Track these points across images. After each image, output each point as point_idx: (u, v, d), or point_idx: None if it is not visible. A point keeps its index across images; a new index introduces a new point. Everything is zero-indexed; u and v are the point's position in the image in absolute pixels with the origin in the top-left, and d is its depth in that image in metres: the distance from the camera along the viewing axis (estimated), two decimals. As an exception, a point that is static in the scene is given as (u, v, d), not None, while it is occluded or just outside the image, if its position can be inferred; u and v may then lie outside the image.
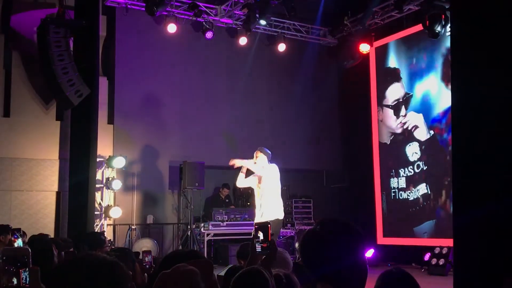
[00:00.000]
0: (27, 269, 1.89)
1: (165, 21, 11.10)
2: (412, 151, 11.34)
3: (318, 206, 12.29)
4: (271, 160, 7.49)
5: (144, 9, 10.34)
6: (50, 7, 10.15)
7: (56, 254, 3.58)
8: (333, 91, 13.29)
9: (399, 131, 11.70)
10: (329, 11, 12.14)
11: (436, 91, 10.92)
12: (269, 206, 7.27)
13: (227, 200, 11.82)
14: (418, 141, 11.21)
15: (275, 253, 2.77)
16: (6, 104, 10.15)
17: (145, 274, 3.58)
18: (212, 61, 12.00)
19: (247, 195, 11.90)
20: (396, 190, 11.65)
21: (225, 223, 10.57)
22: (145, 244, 10.04)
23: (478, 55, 5.11)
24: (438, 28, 9.76)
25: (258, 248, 2.75)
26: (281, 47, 12.18)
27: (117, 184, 10.37)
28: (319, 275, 1.95)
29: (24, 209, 9.97)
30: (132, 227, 10.76)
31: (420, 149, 11.17)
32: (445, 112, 10.53)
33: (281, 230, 10.75)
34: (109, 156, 10.54)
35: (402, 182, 11.51)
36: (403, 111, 11.63)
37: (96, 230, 9.65)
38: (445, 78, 10.66)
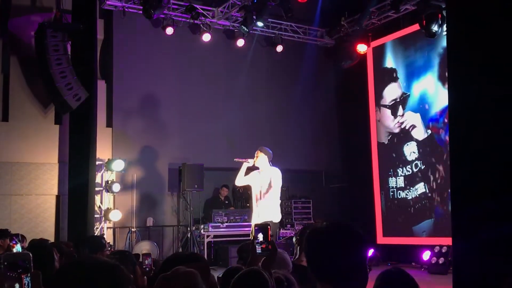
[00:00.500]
0: (29, 274, 1.90)
1: (163, 24, 11.12)
2: (410, 150, 11.38)
3: (318, 206, 12.31)
4: (273, 164, 7.50)
5: (141, 12, 10.36)
6: (47, 11, 10.17)
7: (57, 259, 3.59)
8: (331, 92, 13.31)
9: (396, 130, 11.74)
10: (326, 12, 12.17)
11: (433, 90, 10.95)
12: (266, 208, 7.26)
13: (226, 202, 11.83)
14: (416, 140, 11.25)
15: (275, 254, 2.78)
16: (4, 109, 10.17)
17: (145, 277, 3.59)
18: (210, 63, 12.01)
19: (247, 196, 11.90)
20: (395, 189, 11.68)
21: (224, 224, 10.58)
22: (145, 247, 10.05)
23: (474, 54, 5.14)
24: (435, 28, 9.79)
25: (258, 249, 2.76)
26: (279, 48, 12.21)
27: (116, 187, 10.38)
28: (320, 275, 1.97)
29: (24, 213, 9.97)
30: (132, 229, 10.77)
31: (418, 149, 11.21)
32: (443, 112, 10.57)
33: (281, 230, 10.78)
34: (108, 159, 10.55)
35: (401, 182, 11.55)
36: (400, 110, 11.67)
37: (96, 233, 9.67)
38: (442, 78, 10.69)
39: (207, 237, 10.43)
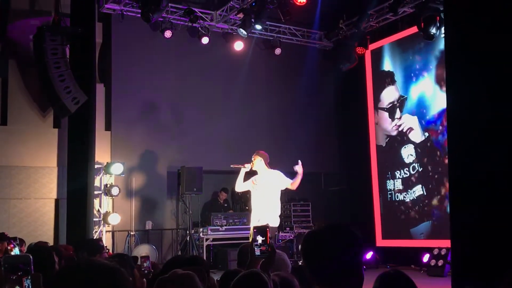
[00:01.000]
0: (29, 277, 1.90)
1: (161, 27, 11.13)
2: (408, 153, 11.42)
3: (317, 209, 12.31)
4: (272, 167, 7.50)
5: (140, 15, 10.37)
6: (46, 15, 10.18)
7: (57, 262, 3.59)
8: (330, 94, 13.32)
9: (394, 133, 11.78)
10: (324, 15, 12.18)
11: (431, 93, 10.98)
12: (266, 211, 7.24)
13: (225, 205, 11.82)
14: (413, 143, 11.30)
15: (274, 256, 2.79)
16: (3, 113, 10.18)
17: (144, 279, 3.59)
18: (208, 67, 12.02)
19: (246, 199, 11.89)
20: (393, 192, 11.71)
21: (224, 227, 10.58)
22: (144, 250, 10.04)
23: (472, 56, 5.16)
24: (433, 30, 9.81)
25: (257, 252, 2.76)
26: (277, 51, 12.23)
27: (115, 191, 10.37)
28: (318, 278, 1.98)
29: (23, 217, 9.97)
30: (131, 233, 10.76)
31: (416, 151, 11.25)
32: (440, 114, 10.62)
33: (280, 233, 10.77)
34: (107, 162, 10.55)
35: (398, 184, 11.58)
36: (398, 113, 11.71)
37: (94, 237, 9.65)
38: (439, 80, 10.74)
39: (206, 240, 10.43)
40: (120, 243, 10.71)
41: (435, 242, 10.11)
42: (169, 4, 10.88)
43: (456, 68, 5.40)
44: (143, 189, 11.19)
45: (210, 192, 12.01)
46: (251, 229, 7.13)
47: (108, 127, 11.04)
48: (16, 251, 4.76)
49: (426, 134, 11.00)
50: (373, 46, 12.20)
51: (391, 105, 11.89)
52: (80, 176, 9.23)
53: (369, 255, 10.76)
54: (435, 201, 10.75)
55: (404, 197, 11.43)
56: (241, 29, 10.95)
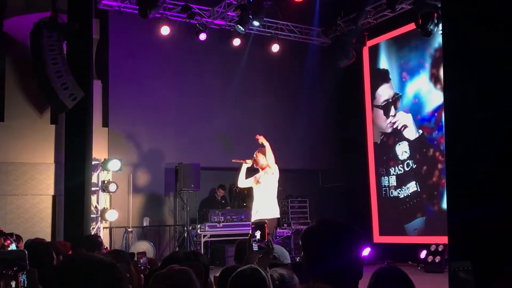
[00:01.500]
0: (24, 272, 1.90)
1: (158, 24, 11.11)
2: (402, 150, 11.51)
3: (314, 205, 12.32)
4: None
5: (137, 11, 10.35)
6: (43, 11, 10.14)
7: (55, 258, 3.59)
8: (327, 91, 13.30)
9: (389, 130, 11.86)
10: (322, 11, 12.16)
11: (425, 91, 11.04)
12: (265, 204, 7.33)
13: (223, 201, 11.83)
14: (407, 140, 11.39)
15: (271, 252, 2.79)
16: (0, 109, 10.14)
17: (141, 275, 3.59)
18: (206, 63, 12.01)
19: (243, 196, 11.91)
20: (387, 188, 11.78)
21: (221, 224, 10.58)
22: (142, 247, 10.04)
23: (470, 53, 5.15)
24: (431, 27, 9.81)
25: (255, 247, 2.76)
26: (275, 48, 12.22)
27: (112, 187, 10.37)
28: (317, 273, 1.98)
29: (20, 214, 9.96)
30: (129, 229, 10.76)
31: (410, 148, 11.32)
32: (434, 111, 10.70)
33: (278, 230, 10.79)
34: (105, 159, 10.54)
35: (393, 180, 11.67)
36: (392, 111, 11.78)
37: (92, 233, 9.65)
38: (433, 78, 10.79)
39: (203, 237, 10.44)
40: (118, 240, 10.71)
41: (431, 239, 10.16)
42: (166, 0, 10.86)
43: (453, 65, 5.40)
44: (140, 185, 11.19)
45: (208, 189, 12.02)
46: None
47: (105, 123, 11.03)
48: (13, 247, 4.75)
49: (420, 131, 11.09)
50: (370, 42, 12.20)
51: (385, 102, 11.97)
52: (78, 172, 9.21)
53: (366, 251, 10.77)
54: (428, 198, 10.82)
55: (398, 193, 11.54)
56: (239, 25, 10.93)
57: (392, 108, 11.79)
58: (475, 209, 4.91)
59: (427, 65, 11.01)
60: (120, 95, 11.13)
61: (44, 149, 10.29)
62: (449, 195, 5.51)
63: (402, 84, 11.60)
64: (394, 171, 11.65)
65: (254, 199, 7.61)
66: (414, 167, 11.21)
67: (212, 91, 12.04)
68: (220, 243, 10.73)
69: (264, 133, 11.98)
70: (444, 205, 9.25)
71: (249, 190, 7.86)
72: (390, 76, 11.88)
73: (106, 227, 10.64)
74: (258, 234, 2.77)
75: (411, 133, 11.31)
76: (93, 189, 9.99)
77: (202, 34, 11.39)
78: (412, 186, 11.23)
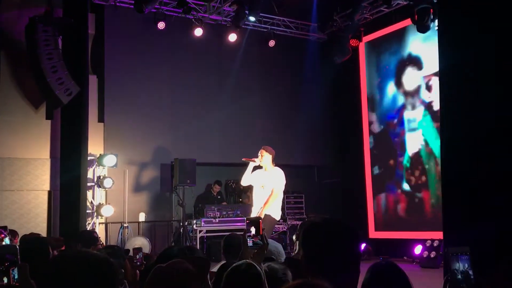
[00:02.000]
0: (16, 267, 1.89)
1: (154, 19, 11.08)
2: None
3: (310, 201, 12.33)
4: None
5: (133, 6, 10.31)
6: (38, 6, 10.09)
7: (51, 253, 3.58)
8: (324, 87, 13.29)
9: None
10: (318, 7, 12.15)
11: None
12: (267, 207, 7.24)
13: (219, 197, 11.83)
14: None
15: (266, 247, 2.80)
16: (-5, 104, 10.11)
17: (137, 271, 3.58)
18: (202, 58, 11.98)
19: (239, 191, 11.91)
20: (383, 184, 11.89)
21: (217, 219, 10.58)
22: (138, 242, 10.03)
23: (466, 49, 5.16)
24: (427, 22, 9.80)
25: (250, 243, 2.77)
26: (271, 43, 12.20)
27: (108, 182, 10.34)
28: (315, 269, 2.00)
29: (15, 209, 9.93)
30: (124, 225, 10.74)
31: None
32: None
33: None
34: (100, 154, 10.51)
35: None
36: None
37: (87, 229, 9.64)
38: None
39: (199, 232, 10.43)
40: (113, 235, 10.70)
41: (426, 234, 10.19)
42: (163, -5, 10.83)
43: (449, 62, 5.40)
44: (136, 181, 11.17)
45: (204, 184, 12.00)
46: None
47: (101, 118, 10.99)
48: (6, 240, 4.73)
49: (416, 129, 11.17)
50: (367, 38, 12.20)
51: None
52: (73, 168, 9.20)
53: (361, 246, 10.82)
54: (424, 194, 10.85)
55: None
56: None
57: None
58: (471, 205, 4.93)
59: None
60: (116, 90, 11.09)
61: (40, 144, 10.26)
62: (444, 190, 5.52)
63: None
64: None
65: (255, 200, 7.50)
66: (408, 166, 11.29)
67: (208, 86, 12.02)
68: (216, 239, 10.72)
69: (260, 129, 12.04)
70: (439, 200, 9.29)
71: (246, 186, 7.83)
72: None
73: (102, 223, 10.62)
74: (253, 229, 2.78)
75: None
76: (88, 184, 9.98)
77: (198, 29, 11.36)
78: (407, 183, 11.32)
